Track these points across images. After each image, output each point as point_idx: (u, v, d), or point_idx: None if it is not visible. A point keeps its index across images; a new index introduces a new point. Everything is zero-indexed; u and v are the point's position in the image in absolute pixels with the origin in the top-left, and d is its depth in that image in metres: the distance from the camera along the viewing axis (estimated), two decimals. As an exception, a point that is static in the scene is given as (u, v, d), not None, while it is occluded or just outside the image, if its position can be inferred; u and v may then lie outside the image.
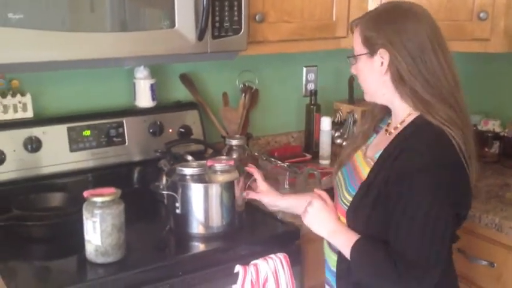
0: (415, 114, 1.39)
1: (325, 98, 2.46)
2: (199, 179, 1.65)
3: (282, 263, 1.63)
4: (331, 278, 1.55)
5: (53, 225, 1.63)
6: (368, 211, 1.37)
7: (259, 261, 1.60)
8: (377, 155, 1.42)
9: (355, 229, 1.41)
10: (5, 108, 1.81)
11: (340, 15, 2.07)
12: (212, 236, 1.66)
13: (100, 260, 1.47)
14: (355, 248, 1.37)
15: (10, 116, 1.82)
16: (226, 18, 1.77)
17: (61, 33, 1.54)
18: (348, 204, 1.43)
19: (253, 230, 1.78)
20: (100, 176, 1.87)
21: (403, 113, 1.42)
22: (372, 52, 1.39)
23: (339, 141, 2.39)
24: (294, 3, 1.97)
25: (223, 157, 1.77)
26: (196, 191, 1.62)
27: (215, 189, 1.64)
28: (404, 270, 1.30)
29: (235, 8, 1.78)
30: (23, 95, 1.84)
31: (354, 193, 1.42)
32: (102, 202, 1.45)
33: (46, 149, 1.82)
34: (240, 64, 2.21)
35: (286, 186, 2.00)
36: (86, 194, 1.46)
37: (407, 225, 1.29)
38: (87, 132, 1.89)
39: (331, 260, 1.52)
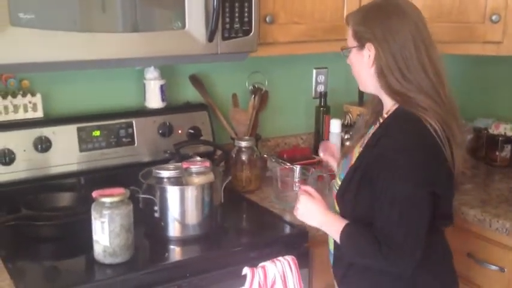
0: (397, 105, 1.47)
1: (335, 100, 2.45)
2: (176, 181, 1.65)
3: (290, 266, 1.62)
4: (331, 260, 1.62)
5: (61, 225, 1.64)
6: (354, 194, 1.46)
7: (267, 264, 1.60)
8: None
9: (345, 212, 1.50)
10: (16, 108, 1.82)
11: (350, 17, 2.06)
12: (210, 238, 1.67)
13: (108, 260, 1.47)
14: (343, 233, 1.46)
15: (20, 115, 1.83)
16: (237, 19, 1.77)
17: (71, 33, 1.54)
18: (338, 189, 1.53)
19: (263, 232, 1.78)
20: (109, 177, 1.87)
21: (389, 103, 1.49)
22: (361, 45, 1.48)
23: (348, 143, 2.37)
24: (305, 4, 1.97)
25: (199, 158, 1.77)
26: (174, 193, 1.63)
27: (193, 191, 1.65)
28: (386, 250, 1.37)
29: (246, 9, 1.77)
30: (33, 95, 1.85)
31: (342, 178, 1.53)
32: (111, 202, 1.45)
33: (56, 149, 1.82)
34: (250, 65, 2.20)
35: (296, 188, 1.99)
36: (94, 194, 1.46)
37: (387, 207, 1.37)
38: (97, 133, 1.90)
39: (330, 243, 1.61)
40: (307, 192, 1.58)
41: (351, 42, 1.51)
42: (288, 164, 2.08)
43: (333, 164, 1.82)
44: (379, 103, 1.56)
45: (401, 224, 1.36)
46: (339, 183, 1.54)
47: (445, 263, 1.53)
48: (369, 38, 1.45)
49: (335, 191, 1.56)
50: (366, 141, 1.52)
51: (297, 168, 1.99)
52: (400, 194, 1.35)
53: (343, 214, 1.51)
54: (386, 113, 1.49)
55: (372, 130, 1.56)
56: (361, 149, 1.51)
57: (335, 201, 1.56)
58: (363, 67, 1.49)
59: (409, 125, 1.41)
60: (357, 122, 2.38)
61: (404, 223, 1.36)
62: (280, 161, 2.11)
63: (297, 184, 2.00)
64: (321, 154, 1.87)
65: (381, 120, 1.51)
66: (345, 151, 1.66)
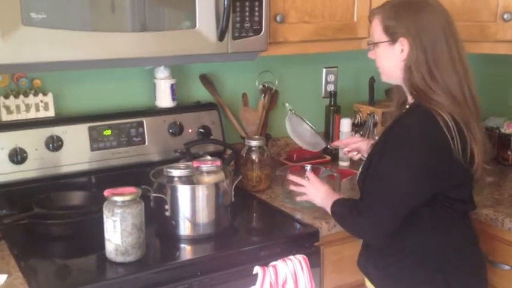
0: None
1: (345, 99, 2.45)
2: (187, 180, 1.65)
3: (302, 265, 1.62)
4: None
5: (73, 224, 1.64)
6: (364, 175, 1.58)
7: (278, 263, 1.59)
8: None
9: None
10: (27, 107, 1.83)
11: (361, 15, 2.05)
12: (221, 237, 1.67)
13: (120, 259, 1.47)
14: (334, 202, 1.64)
15: (32, 115, 1.84)
16: (247, 18, 1.77)
17: (82, 32, 1.55)
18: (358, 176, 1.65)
19: (273, 231, 1.77)
20: (120, 176, 1.88)
21: (409, 96, 1.56)
22: (392, 40, 1.51)
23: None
24: (315, 3, 1.96)
25: (209, 158, 1.77)
26: (185, 192, 1.64)
27: (204, 190, 1.65)
28: (358, 214, 1.52)
29: (256, 9, 1.77)
30: (44, 94, 1.86)
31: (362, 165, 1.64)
32: (123, 201, 1.45)
33: (67, 148, 1.83)
34: (260, 65, 2.20)
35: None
36: (106, 193, 1.47)
37: (376, 181, 1.50)
38: (108, 132, 1.90)
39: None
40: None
41: (381, 36, 1.53)
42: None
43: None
44: (403, 95, 1.61)
45: (381, 197, 1.48)
46: (360, 169, 1.63)
47: (471, 248, 1.58)
48: (402, 33, 1.48)
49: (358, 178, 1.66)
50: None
51: (308, 168, 1.98)
52: (393, 177, 1.46)
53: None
54: (408, 104, 1.56)
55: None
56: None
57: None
58: (392, 61, 1.53)
59: (418, 118, 1.47)
60: (367, 121, 2.37)
61: (383, 198, 1.48)
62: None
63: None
64: (344, 151, 1.98)
65: (404, 111, 1.58)
66: (373, 143, 1.74)
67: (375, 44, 1.56)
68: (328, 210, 1.67)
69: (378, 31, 1.54)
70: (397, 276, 1.55)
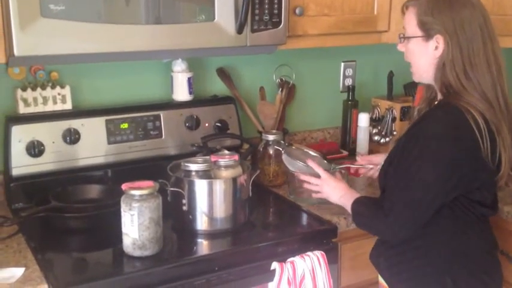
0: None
1: (363, 94, 2.42)
2: (205, 174, 1.64)
3: (320, 261, 1.60)
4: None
5: (90, 217, 1.64)
6: (392, 175, 1.51)
7: (296, 259, 1.58)
8: None
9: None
10: (45, 100, 1.82)
11: (381, 9, 2.03)
12: (238, 232, 1.67)
13: (137, 253, 1.47)
14: (355, 201, 1.59)
15: (50, 107, 1.83)
16: (266, 11, 1.75)
17: (100, 25, 1.54)
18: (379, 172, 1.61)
19: (291, 227, 1.75)
20: (136, 169, 1.87)
21: (440, 94, 1.52)
22: (427, 36, 1.47)
23: (376, 138, 2.34)
24: (335, -4, 1.93)
25: (227, 152, 1.75)
26: (203, 187, 1.62)
27: (222, 185, 1.64)
28: (379, 214, 1.48)
29: (276, 1, 1.75)
30: (62, 87, 1.85)
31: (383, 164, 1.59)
32: (140, 195, 1.44)
33: (84, 141, 1.83)
34: (277, 58, 2.18)
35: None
36: (124, 186, 1.46)
37: (402, 181, 1.44)
38: (125, 125, 1.89)
39: None
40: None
41: (414, 31, 1.49)
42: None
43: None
44: (433, 91, 1.57)
45: (408, 196, 1.43)
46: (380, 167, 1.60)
47: (487, 254, 1.54)
48: (438, 30, 1.44)
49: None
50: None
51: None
52: (418, 175, 1.41)
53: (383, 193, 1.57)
54: (437, 101, 1.53)
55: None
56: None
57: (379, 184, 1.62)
58: (425, 57, 1.49)
59: (448, 114, 1.42)
60: (385, 116, 2.35)
61: (407, 198, 1.43)
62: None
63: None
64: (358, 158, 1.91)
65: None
66: (396, 140, 1.70)
67: (407, 38, 1.51)
68: (348, 208, 1.62)
69: (411, 25, 1.49)
70: (407, 274, 1.53)
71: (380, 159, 1.78)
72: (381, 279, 1.66)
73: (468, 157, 1.41)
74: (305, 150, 1.90)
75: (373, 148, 2.28)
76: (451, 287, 1.47)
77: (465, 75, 1.42)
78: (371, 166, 1.83)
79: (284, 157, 1.87)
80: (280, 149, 1.91)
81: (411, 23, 1.49)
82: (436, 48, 1.45)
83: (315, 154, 1.88)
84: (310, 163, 1.75)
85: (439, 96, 1.52)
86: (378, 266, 1.63)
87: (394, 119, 2.33)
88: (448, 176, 1.41)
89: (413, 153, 1.43)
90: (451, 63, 1.43)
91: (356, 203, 1.59)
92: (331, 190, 1.69)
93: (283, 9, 1.77)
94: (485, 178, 1.46)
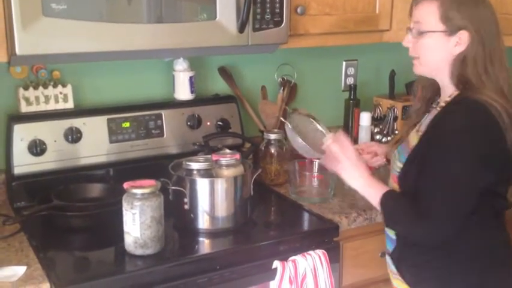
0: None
1: (364, 93, 2.42)
2: (207, 173, 1.64)
3: (321, 260, 1.60)
4: (390, 247, 1.59)
5: (92, 216, 1.64)
6: (415, 173, 1.44)
7: (298, 258, 1.58)
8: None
9: (407, 189, 1.48)
10: (47, 99, 1.82)
11: (383, 7, 2.02)
12: (240, 231, 1.66)
13: (139, 252, 1.47)
14: (385, 196, 1.47)
15: (51, 106, 1.83)
16: (268, 10, 1.74)
17: (102, 24, 1.54)
18: (399, 169, 1.51)
19: (293, 226, 1.75)
20: (138, 168, 1.87)
21: (450, 89, 1.48)
22: (450, 31, 1.42)
23: (378, 137, 2.34)
24: (337, -5, 1.93)
25: (228, 151, 1.75)
26: (204, 186, 1.62)
27: (223, 184, 1.63)
28: (421, 217, 1.40)
29: (277, 0, 1.75)
30: (64, 85, 1.85)
31: (404, 160, 1.51)
32: (142, 194, 1.44)
33: (86, 140, 1.83)
34: (279, 57, 2.18)
35: (315, 183, 1.95)
36: (126, 185, 1.46)
37: (434, 180, 1.39)
38: (127, 124, 1.89)
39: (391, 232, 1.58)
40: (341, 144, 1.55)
41: (435, 25, 1.43)
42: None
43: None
44: (431, 90, 1.56)
45: (443, 196, 1.38)
46: (399, 164, 1.53)
47: (506, 248, 1.52)
48: (464, 26, 1.41)
49: (395, 174, 1.55)
50: (427, 123, 1.51)
51: (316, 162, 1.95)
52: (450, 171, 1.37)
53: (403, 192, 1.51)
54: (449, 96, 1.48)
55: (430, 116, 1.55)
56: (421, 132, 1.50)
57: (394, 182, 1.55)
58: (442, 53, 1.45)
59: (471, 108, 1.40)
60: (387, 115, 2.34)
61: (446, 197, 1.38)
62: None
63: (314, 179, 1.94)
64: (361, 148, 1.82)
65: (443, 105, 1.49)
66: (397, 139, 1.66)
67: (425, 33, 1.44)
68: (371, 197, 1.51)
69: (432, 19, 1.43)
70: (432, 274, 1.49)
71: (381, 149, 1.79)
72: (395, 281, 1.61)
73: (497, 149, 1.39)
74: (312, 121, 1.80)
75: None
76: (478, 285, 1.45)
77: (485, 72, 1.41)
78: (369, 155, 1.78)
79: (288, 132, 1.74)
80: (285, 121, 1.78)
81: (431, 17, 1.43)
82: (457, 44, 1.42)
83: (322, 129, 1.78)
84: (332, 144, 1.57)
85: (450, 92, 1.48)
86: (399, 267, 1.56)
87: (395, 118, 2.33)
88: (482, 169, 1.38)
89: (442, 149, 1.39)
90: (474, 60, 1.41)
91: (387, 199, 1.47)
92: (351, 167, 1.53)
93: (284, 8, 1.77)
94: (510, 169, 1.45)
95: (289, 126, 1.72)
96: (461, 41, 1.42)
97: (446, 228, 1.40)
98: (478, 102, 1.39)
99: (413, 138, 1.54)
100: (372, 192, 1.51)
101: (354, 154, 1.54)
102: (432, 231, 1.41)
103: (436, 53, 1.46)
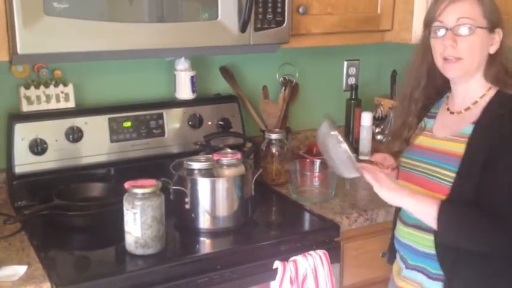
0: (494, 90, 1.44)
1: (366, 93, 2.41)
2: (208, 173, 1.64)
3: (322, 260, 1.60)
4: (425, 263, 1.48)
5: (93, 216, 1.64)
6: (477, 178, 1.37)
7: (299, 258, 1.58)
8: (466, 131, 1.43)
9: (463, 198, 1.39)
10: (48, 98, 1.82)
11: (385, 7, 2.02)
12: (241, 230, 1.66)
13: (140, 251, 1.47)
14: (444, 211, 1.36)
15: (53, 105, 1.83)
16: (270, 10, 1.74)
17: (104, 23, 1.54)
18: (452, 179, 1.41)
19: (294, 226, 1.75)
20: (139, 168, 1.86)
21: (480, 89, 1.45)
22: (491, 28, 1.41)
23: (379, 137, 2.34)
24: (338, -6, 1.93)
25: (230, 150, 1.75)
26: (205, 185, 1.62)
27: (224, 183, 1.63)
28: (501, 226, 1.32)
29: (279, 0, 1.74)
30: (65, 85, 1.85)
31: (454, 169, 1.41)
32: (143, 194, 1.44)
33: (87, 139, 1.83)
34: (280, 57, 2.18)
35: (316, 183, 1.95)
36: (127, 185, 1.46)
37: (507, 187, 1.32)
38: (128, 124, 1.89)
39: (424, 241, 1.47)
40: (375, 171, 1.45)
41: (480, 21, 1.40)
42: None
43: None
44: (419, 101, 1.55)
45: None
46: (446, 173, 1.42)
47: None
48: (499, 23, 1.42)
49: (440, 183, 1.43)
50: (451, 131, 1.47)
51: (317, 162, 1.95)
52: None
53: (459, 199, 1.40)
54: (481, 98, 1.45)
55: (438, 122, 1.53)
56: (458, 138, 1.44)
57: (436, 193, 1.43)
58: (483, 50, 1.43)
59: None
60: (388, 115, 2.34)
61: None
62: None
63: (316, 179, 1.92)
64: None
65: (472, 106, 1.45)
66: (400, 148, 1.60)
67: (476, 30, 1.39)
68: (423, 215, 1.40)
69: (478, 15, 1.40)
70: (486, 280, 1.42)
71: (393, 161, 1.63)
72: (399, 284, 1.57)
73: None
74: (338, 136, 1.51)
75: (376, 146, 2.27)
76: None
77: (508, 66, 1.44)
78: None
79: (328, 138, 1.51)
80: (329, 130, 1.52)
81: (477, 13, 1.40)
82: (495, 42, 1.42)
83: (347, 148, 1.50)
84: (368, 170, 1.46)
85: (482, 91, 1.45)
86: (452, 272, 1.43)
87: (397, 118, 2.32)
88: None
89: (509, 158, 1.34)
90: (505, 58, 1.43)
91: (449, 213, 1.36)
92: (395, 190, 1.42)
93: (286, 8, 1.77)
94: None
95: (334, 132, 1.49)
96: (497, 38, 1.42)
97: None
98: None
99: (449, 144, 1.46)
100: (422, 208, 1.40)
101: (388, 181, 1.42)
102: (509, 230, 1.33)
103: (481, 52, 1.42)
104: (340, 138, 1.47)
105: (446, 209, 1.37)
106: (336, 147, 1.48)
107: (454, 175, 1.41)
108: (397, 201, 1.44)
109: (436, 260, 1.44)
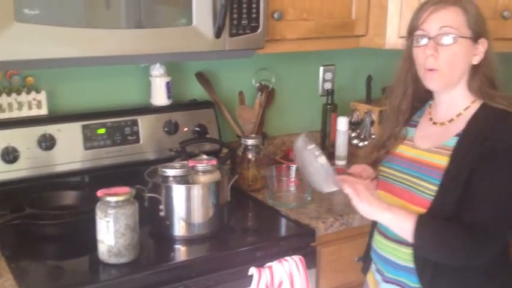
0: (479, 102, 1.43)
1: (342, 98, 2.42)
2: (183, 180, 1.63)
3: (298, 266, 1.60)
4: (403, 276, 1.47)
5: (66, 224, 1.62)
6: (460, 192, 1.35)
7: (274, 264, 1.57)
8: (449, 143, 1.41)
9: (444, 212, 1.37)
10: (20, 105, 1.80)
11: (359, 13, 2.03)
12: (216, 237, 1.65)
13: (113, 260, 1.45)
14: (421, 224, 1.35)
15: (25, 113, 1.81)
16: (244, 15, 1.74)
17: (77, 29, 1.52)
18: (433, 193, 1.39)
19: (270, 232, 1.75)
20: (114, 175, 1.85)
21: (464, 100, 1.44)
22: (475, 38, 1.39)
23: (355, 141, 2.35)
24: (313, 0, 1.93)
25: (205, 157, 1.74)
26: (180, 192, 1.61)
27: (199, 190, 1.62)
28: (479, 239, 1.32)
29: (254, 5, 1.74)
30: (37, 92, 1.83)
31: (437, 181, 1.39)
32: (116, 202, 1.43)
33: (60, 146, 1.80)
34: (257, 62, 2.18)
35: (292, 189, 1.95)
36: (99, 193, 1.44)
37: (492, 200, 1.33)
38: (102, 130, 1.87)
39: (402, 255, 1.46)
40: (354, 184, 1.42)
41: (464, 31, 1.38)
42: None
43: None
44: (406, 111, 1.54)
45: (498, 215, 1.33)
46: (428, 186, 1.41)
47: None
48: (483, 33, 1.40)
49: (421, 196, 1.42)
50: (432, 143, 1.46)
51: (293, 168, 1.95)
52: (507, 188, 1.32)
53: (439, 213, 1.39)
54: (465, 110, 1.44)
55: (419, 132, 1.52)
56: (441, 150, 1.43)
57: (417, 206, 1.42)
58: (466, 61, 1.41)
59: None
60: (364, 120, 2.35)
61: (501, 215, 1.33)
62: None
63: (292, 184, 1.92)
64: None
65: (455, 118, 1.44)
66: (378, 156, 1.58)
67: (458, 39, 1.37)
68: (400, 228, 1.39)
69: (461, 24, 1.37)
70: None
71: (372, 171, 1.61)
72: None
73: None
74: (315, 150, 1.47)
75: (352, 151, 2.29)
76: None
77: (492, 77, 1.42)
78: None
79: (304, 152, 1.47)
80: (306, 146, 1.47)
81: (460, 22, 1.37)
82: (479, 52, 1.40)
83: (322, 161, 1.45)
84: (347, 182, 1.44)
85: (466, 103, 1.44)
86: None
87: (372, 123, 2.34)
88: None
89: (497, 171, 1.33)
90: (491, 68, 1.41)
91: (422, 224, 1.35)
92: (372, 204, 1.40)
93: (261, 13, 1.77)
94: None
95: (311, 146, 1.45)
96: (481, 49, 1.40)
97: (497, 248, 1.36)
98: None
99: (431, 156, 1.44)
100: (399, 221, 1.39)
101: (367, 194, 1.40)
102: (487, 255, 1.35)
103: (463, 63, 1.40)
104: (317, 152, 1.44)
105: (423, 223, 1.36)
106: (314, 162, 1.44)
107: (436, 188, 1.39)
108: (376, 217, 1.42)
109: (415, 274, 1.44)
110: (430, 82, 1.44)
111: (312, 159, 1.44)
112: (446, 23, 1.38)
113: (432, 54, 1.39)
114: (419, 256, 1.42)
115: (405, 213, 1.39)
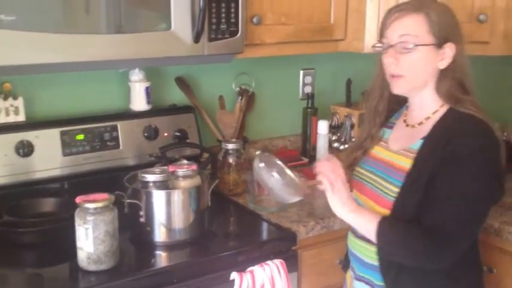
0: (447, 106, 1.43)
1: (322, 101, 2.43)
2: (163, 185, 1.62)
3: (279, 270, 1.60)
4: (370, 274, 1.49)
5: (45, 232, 1.60)
6: (420, 195, 1.37)
7: (256, 268, 1.57)
8: (415, 146, 1.43)
9: (405, 214, 1.39)
10: (-4, 112, 1.78)
11: (338, 18, 2.05)
12: (197, 242, 1.65)
13: (92, 267, 1.44)
14: (383, 224, 1.37)
15: (2, 119, 1.78)
16: (223, 20, 1.74)
17: (55, 35, 1.51)
18: (395, 194, 1.41)
19: (251, 236, 1.75)
20: (93, 181, 1.83)
21: (433, 104, 1.45)
22: (439, 44, 1.38)
23: (336, 144, 2.37)
24: (292, 5, 1.94)
25: (185, 162, 1.74)
26: (160, 198, 1.60)
27: (180, 195, 1.61)
28: (440, 242, 1.33)
29: (232, 10, 1.75)
30: (15, 98, 1.81)
31: (399, 183, 1.41)
32: (95, 208, 1.42)
33: (38, 153, 1.78)
34: (237, 67, 2.18)
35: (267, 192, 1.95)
36: (78, 200, 1.43)
37: (454, 203, 1.33)
38: (81, 136, 1.86)
39: (369, 253, 1.48)
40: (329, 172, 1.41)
41: (425, 38, 1.37)
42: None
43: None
44: (383, 111, 1.55)
45: (463, 222, 1.34)
46: (391, 187, 1.43)
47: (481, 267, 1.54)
48: (451, 38, 1.39)
49: (384, 197, 1.44)
50: (402, 144, 1.47)
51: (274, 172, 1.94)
52: (469, 191, 1.33)
53: (400, 215, 1.41)
54: (433, 113, 1.44)
55: (393, 135, 1.53)
56: (407, 153, 1.44)
57: (381, 207, 1.44)
58: (429, 66, 1.40)
59: (478, 126, 1.37)
60: (344, 123, 2.37)
61: (463, 218, 1.34)
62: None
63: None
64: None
65: (424, 121, 1.45)
66: (356, 157, 1.59)
67: (417, 47, 1.37)
68: (362, 227, 1.43)
69: (421, 31, 1.37)
70: None
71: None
72: None
73: (500, 166, 1.38)
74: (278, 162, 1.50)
75: (333, 154, 2.29)
76: None
77: (464, 81, 1.42)
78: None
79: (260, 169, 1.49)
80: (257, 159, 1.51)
81: (420, 30, 1.37)
82: (444, 57, 1.39)
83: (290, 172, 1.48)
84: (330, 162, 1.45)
85: (435, 106, 1.45)
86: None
87: (352, 126, 2.36)
88: (497, 188, 1.38)
89: (458, 173, 1.34)
90: (461, 72, 1.41)
91: (383, 226, 1.37)
92: (341, 201, 1.42)
93: (240, 18, 1.77)
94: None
95: (261, 164, 1.47)
96: (448, 53, 1.39)
97: (459, 251, 1.37)
98: (482, 120, 1.38)
99: (398, 158, 1.46)
100: (362, 221, 1.42)
101: (341, 189, 1.41)
102: (449, 258, 1.36)
103: (426, 68, 1.41)
104: (268, 168, 1.45)
105: (385, 226, 1.38)
106: (269, 177, 1.46)
107: (398, 190, 1.41)
108: (343, 216, 1.44)
109: (380, 272, 1.46)
110: (395, 87, 1.46)
111: (267, 175, 1.46)
112: (405, 31, 1.39)
113: (393, 62, 1.41)
114: (382, 257, 1.44)
115: (369, 215, 1.42)
